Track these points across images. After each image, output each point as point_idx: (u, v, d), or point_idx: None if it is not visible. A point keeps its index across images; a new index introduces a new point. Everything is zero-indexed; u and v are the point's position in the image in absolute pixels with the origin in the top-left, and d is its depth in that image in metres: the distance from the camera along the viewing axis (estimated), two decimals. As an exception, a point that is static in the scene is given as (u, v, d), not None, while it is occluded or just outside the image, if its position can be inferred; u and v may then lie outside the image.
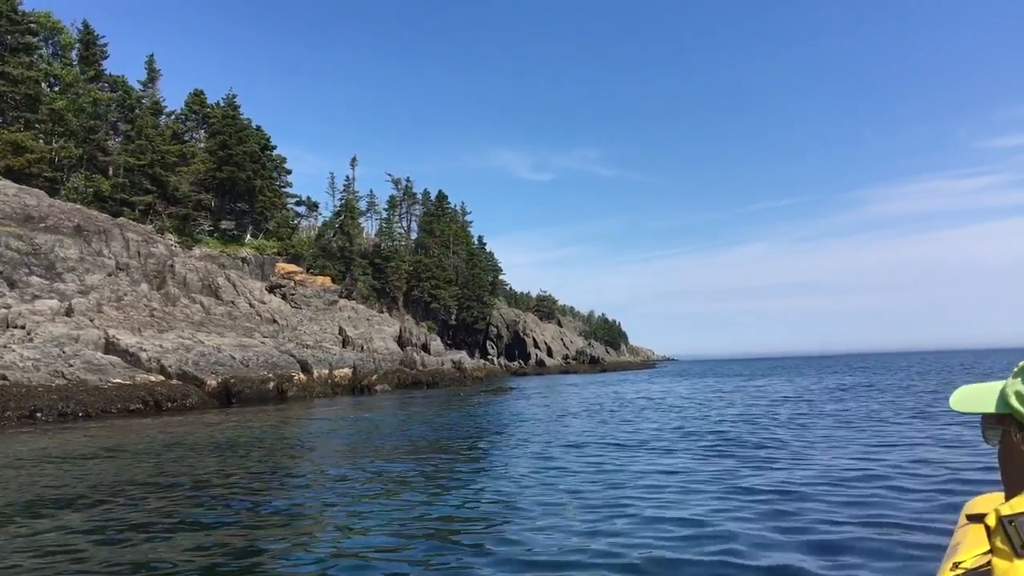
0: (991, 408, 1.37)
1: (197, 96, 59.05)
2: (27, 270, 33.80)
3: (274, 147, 63.00)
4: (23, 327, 28.96)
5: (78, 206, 40.50)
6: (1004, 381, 1.38)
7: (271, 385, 32.41)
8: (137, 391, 26.42)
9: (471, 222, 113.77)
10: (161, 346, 31.94)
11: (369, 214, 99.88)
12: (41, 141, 45.32)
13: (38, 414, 22.86)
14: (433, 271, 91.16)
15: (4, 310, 29.94)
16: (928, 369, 61.53)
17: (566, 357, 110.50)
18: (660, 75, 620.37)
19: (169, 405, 26.89)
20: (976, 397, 1.41)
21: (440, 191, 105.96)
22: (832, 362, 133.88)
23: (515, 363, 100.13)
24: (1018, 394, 1.31)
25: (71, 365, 26.78)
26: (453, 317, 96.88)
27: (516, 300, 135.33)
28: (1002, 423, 1.36)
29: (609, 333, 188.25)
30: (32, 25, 45.14)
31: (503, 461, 13.13)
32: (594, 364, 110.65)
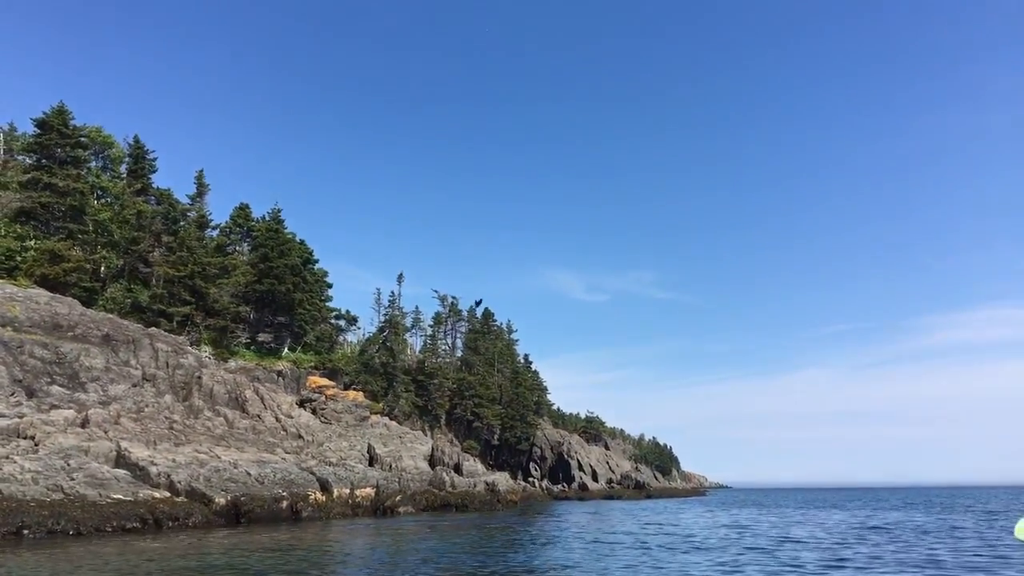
0: None
1: (242, 210, 60.15)
2: (48, 379, 33.22)
3: (316, 261, 63.40)
4: (32, 437, 28.00)
5: (109, 316, 40.38)
6: None
7: (284, 504, 30.65)
8: (137, 508, 24.93)
9: (517, 340, 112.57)
10: (174, 460, 30.64)
11: (414, 330, 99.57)
12: (84, 251, 45.93)
13: (25, 531, 21.47)
14: (477, 389, 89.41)
15: (17, 420, 29.10)
16: (986, 508, 56.94)
17: (610, 481, 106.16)
18: (717, 197, 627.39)
19: (170, 524, 25.30)
20: None
21: (487, 308, 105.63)
22: (889, 494, 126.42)
23: (558, 486, 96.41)
24: None
25: (73, 479, 25.54)
26: (496, 437, 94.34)
27: (563, 421, 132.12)
28: None
29: (660, 458, 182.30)
30: (82, 138, 46.67)
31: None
32: (639, 490, 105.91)
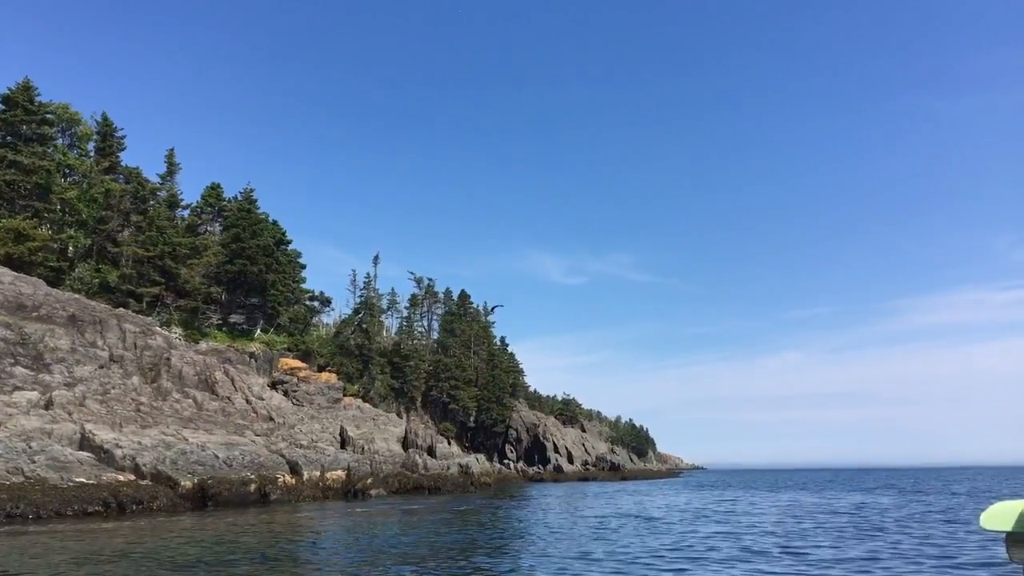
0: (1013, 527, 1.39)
1: (214, 189, 59.28)
2: (12, 360, 32.59)
3: (289, 241, 62.72)
4: (-7, 419, 27.50)
5: (76, 296, 39.71)
6: None
7: (252, 487, 30.43)
8: (100, 492, 24.60)
9: (493, 323, 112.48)
10: (140, 443, 30.26)
11: (390, 312, 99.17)
12: (50, 230, 45.10)
13: (-17, 515, 21.12)
14: (453, 371, 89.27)
15: (-23, 401, 28.60)
16: (962, 489, 57.85)
17: (586, 463, 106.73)
18: (696, 181, 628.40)
19: (134, 508, 25.00)
20: (1003, 515, 1.60)
21: (463, 291, 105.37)
22: (864, 476, 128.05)
23: (534, 468, 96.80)
24: None
25: (34, 462, 25.13)
26: (472, 419, 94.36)
27: (540, 403, 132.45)
28: None
29: (636, 440, 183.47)
30: (48, 115, 45.69)
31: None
32: (615, 471, 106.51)
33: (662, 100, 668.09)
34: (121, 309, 42.05)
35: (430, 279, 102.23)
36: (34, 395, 30.89)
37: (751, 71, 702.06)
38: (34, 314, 36.11)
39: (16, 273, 37.86)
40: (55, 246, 43.51)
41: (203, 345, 49.69)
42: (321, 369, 61.94)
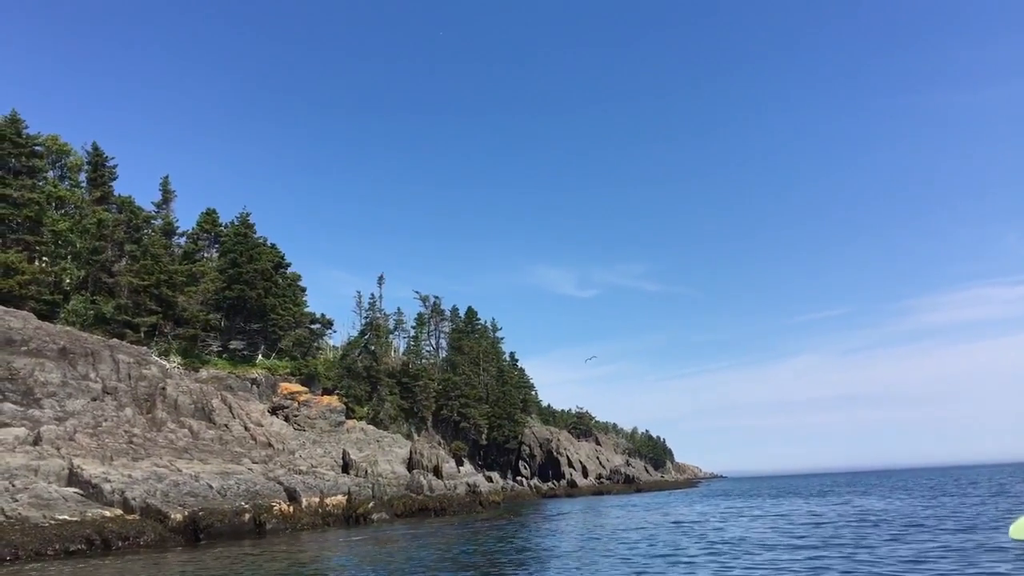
0: None
1: (209, 215, 58.82)
2: (0, 396, 31.97)
3: (288, 264, 62.16)
4: (-24, 458, 26.77)
5: (67, 328, 39.13)
6: None
7: (246, 517, 29.53)
8: (83, 529, 23.76)
9: (502, 339, 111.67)
10: (130, 476, 29.44)
11: (397, 332, 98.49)
12: (44, 263, 44.61)
13: (-42, 559, 20.34)
14: (462, 389, 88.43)
15: (-38, 440, 27.90)
16: (988, 490, 56.46)
17: (600, 477, 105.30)
18: (703, 189, 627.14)
19: (120, 544, 24.15)
20: None
21: (470, 307, 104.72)
22: (883, 478, 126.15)
23: (548, 484, 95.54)
24: None
25: (16, 500, 24.33)
26: (484, 437, 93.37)
27: (553, 418, 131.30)
28: None
29: (653, 451, 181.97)
30: (37, 148, 45.33)
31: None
32: (629, 484, 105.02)
33: (668, 108, 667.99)
34: (115, 340, 41.41)
35: (436, 297, 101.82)
36: (22, 431, 30.14)
37: (755, 75, 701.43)
38: (23, 348, 35.43)
39: (5, 308, 37.27)
40: (48, 279, 42.93)
41: (203, 373, 49.04)
42: (328, 392, 61.16)
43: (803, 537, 23.10)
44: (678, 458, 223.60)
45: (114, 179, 52.60)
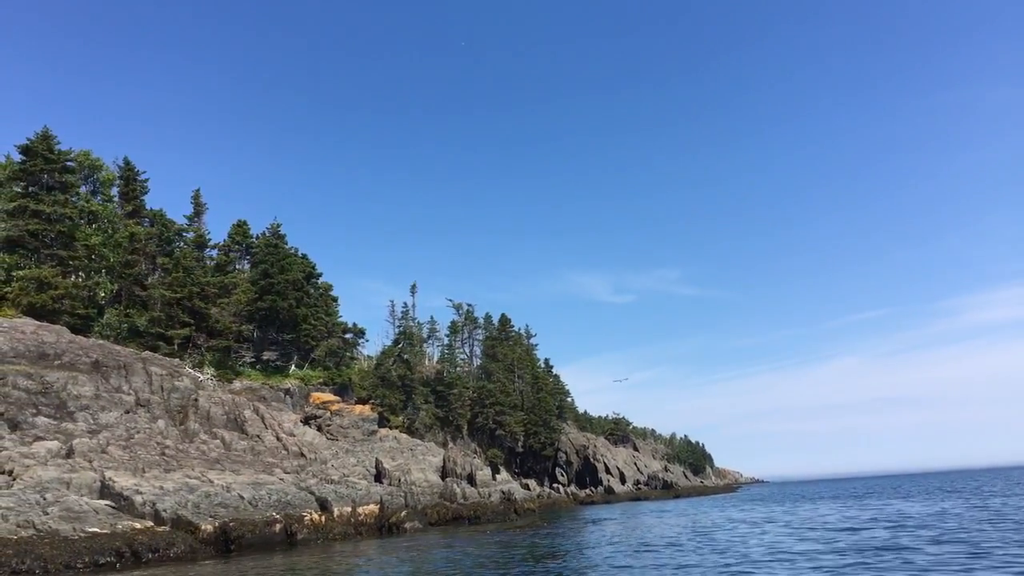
0: None
1: (240, 227, 59.17)
2: (34, 410, 32.15)
3: (320, 275, 62.24)
4: (9, 472, 26.87)
5: (100, 342, 39.38)
6: None
7: (277, 528, 29.28)
8: (112, 541, 23.62)
9: (536, 346, 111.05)
10: (162, 487, 29.39)
11: (431, 341, 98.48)
12: (80, 277, 45.02)
13: (-13, 573, 20.26)
14: (497, 397, 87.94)
15: (-3, 454, 28.03)
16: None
17: (638, 483, 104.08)
18: (738, 191, 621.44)
19: (150, 556, 23.99)
20: None
21: (503, 315, 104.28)
22: (925, 480, 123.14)
23: (585, 491, 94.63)
24: None
25: (47, 513, 24.32)
26: (520, 444, 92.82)
27: (590, 424, 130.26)
28: None
29: (692, 456, 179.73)
30: (69, 163, 45.80)
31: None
32: (668, 490, 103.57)
33: (703, 114, 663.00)
34: (148, 352, 41.63)
35: (469, 304, 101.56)
36: (54, 444, 30.27)
37: (795, 79, 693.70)
38: (56, 362, 35.73)
39: (38, 322, 37.65)
40: (83, 293, 43.30)
41: (236, 384, 49.16)
42: (363, 402, 61.06)
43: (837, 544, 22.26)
44: (718, 463, 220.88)
45: (145, 193, 53.14)
